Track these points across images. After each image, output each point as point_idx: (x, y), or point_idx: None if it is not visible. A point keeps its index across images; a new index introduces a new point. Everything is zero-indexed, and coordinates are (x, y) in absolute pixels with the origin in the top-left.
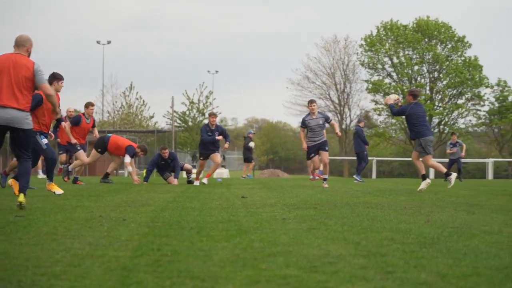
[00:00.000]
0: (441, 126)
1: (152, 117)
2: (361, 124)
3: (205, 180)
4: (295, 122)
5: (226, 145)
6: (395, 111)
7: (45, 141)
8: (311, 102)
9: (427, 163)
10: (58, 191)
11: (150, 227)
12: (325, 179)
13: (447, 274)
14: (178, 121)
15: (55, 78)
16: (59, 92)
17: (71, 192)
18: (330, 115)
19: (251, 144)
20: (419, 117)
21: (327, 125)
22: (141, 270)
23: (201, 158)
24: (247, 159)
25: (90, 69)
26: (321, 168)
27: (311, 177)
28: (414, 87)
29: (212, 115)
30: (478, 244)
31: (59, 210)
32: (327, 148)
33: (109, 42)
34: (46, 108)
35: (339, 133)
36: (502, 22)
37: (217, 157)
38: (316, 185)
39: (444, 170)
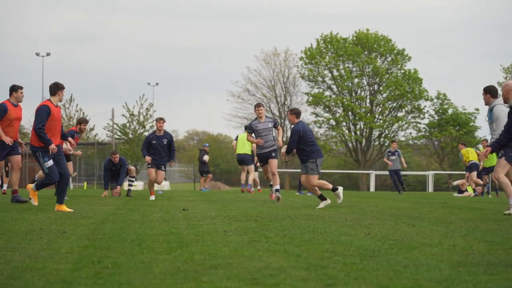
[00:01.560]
0: (381, 139)
1: (92, 129)
2: None
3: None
4: (235, 135)
5: (171, 163)
6: (290, 143)
7: None
8: (258, 105)
9: (313, 182)
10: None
11: (90, 239)
12: (277, 190)
13: (388, 286)
14: (119, 133)
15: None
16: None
17: (11, 205)
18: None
19: (205, 157)
20: (311, 135)
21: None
22: (82, 282)
23: (149, 166)
24: (202, 172)
25: (29, 81)
26: (269, 177)
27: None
28: (295, 107)
29: (160, 120)
30: (418, 256)
31: None
32: (274, 155)
33: (48, 54)
34: None
35: (280, 143)
36: (441, 35)
37: (160, 175)
38: (256, 198)
39: (330, 186)
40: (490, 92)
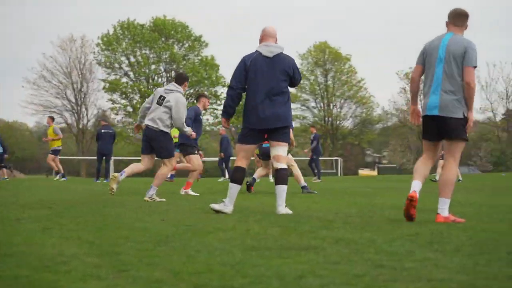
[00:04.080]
0: None
1: None
2: (103, 123)
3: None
4: (31, 122)
5: None
6: None
7: None
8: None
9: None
10: None
11: None
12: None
13: (181, 271)
14: None
15: None
16: None
17: None
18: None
19: None
20: None
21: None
22: None
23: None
24: None
25: None
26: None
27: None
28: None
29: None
30: (212, 241)
31: None
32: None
33: None
34: None
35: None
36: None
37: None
38: (53, 185)
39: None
40: None
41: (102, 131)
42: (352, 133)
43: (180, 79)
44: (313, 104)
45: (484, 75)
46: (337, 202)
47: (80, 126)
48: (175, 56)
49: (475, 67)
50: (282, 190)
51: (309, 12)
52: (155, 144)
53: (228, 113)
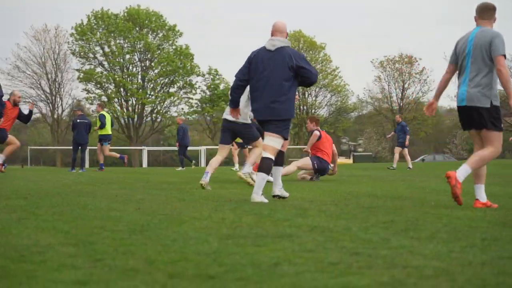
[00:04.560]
0: (154, 115)
1: None
2: (79, 113)
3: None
4: None
5: None
6: None
7: None
8: None
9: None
10: None
11: None
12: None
13: (156, 260)
14: None
15: None
16: None
17: None
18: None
19: None
20: None
21: None
22: None
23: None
24: None
25: None
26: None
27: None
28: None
29: None
30: (188, 230)
31: None
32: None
33: None
34: None
35: None
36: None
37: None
38: (28, 175)
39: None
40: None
41: (78, 120)
42: (327, 122)
43: None
44: None
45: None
46: (312, 190)
47: (55, 116)
48: (149, 46)
49: (504, 55)
50: (261, 178)
51: (283, 1)
52: (239, 134)
53: (232, 102)
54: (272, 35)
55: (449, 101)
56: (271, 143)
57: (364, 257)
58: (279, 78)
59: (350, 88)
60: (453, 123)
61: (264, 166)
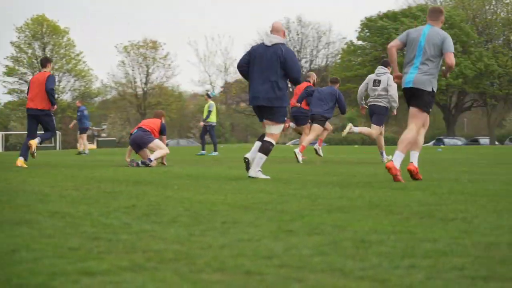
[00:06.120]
0: None
1: None
2: None
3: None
4: None
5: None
6: None
7: None
8: None
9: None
10: None
11: None
12: None
13: None
14: None
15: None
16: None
17: None
18: None
19: None
20: None
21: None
22: None
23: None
24: None
25: None
26: None
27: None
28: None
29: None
30: None
31: None
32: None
33: None
34: None
35: None
36: None
37: None
38: None
39: None
40: None
41: None
42: (70, 107)
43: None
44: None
45: (203, 48)
46: (53, 176)
47: None
48: None
49: (453, 52)
50: (259, 157)
51: None
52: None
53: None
54: (270, 33)
55: (193, 86)
56: (273, 130)
57: (104, 242)
58: (273, 70)
59: (94, 73)
60: (196, 107)
61: (264, 148)
